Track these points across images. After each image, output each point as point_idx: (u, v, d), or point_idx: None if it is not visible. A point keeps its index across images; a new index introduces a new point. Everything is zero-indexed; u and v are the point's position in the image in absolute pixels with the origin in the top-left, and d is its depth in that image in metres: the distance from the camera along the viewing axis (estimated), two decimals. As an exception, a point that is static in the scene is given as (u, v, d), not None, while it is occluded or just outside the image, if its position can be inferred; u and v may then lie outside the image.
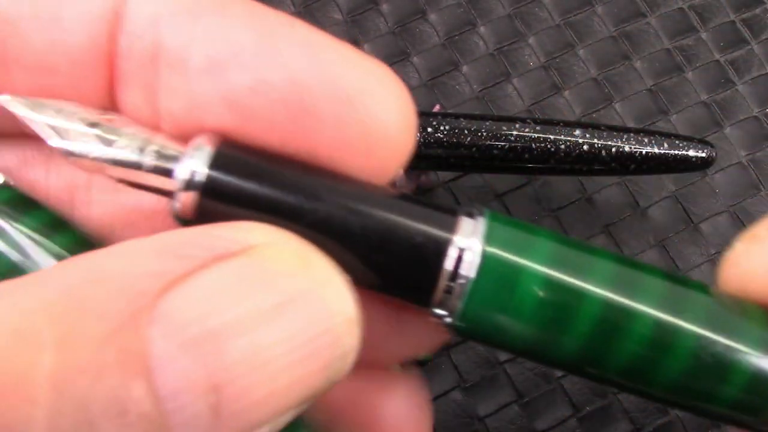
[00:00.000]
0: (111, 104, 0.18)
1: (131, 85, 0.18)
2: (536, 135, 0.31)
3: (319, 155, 0.17)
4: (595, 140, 0.31)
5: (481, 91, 0.38)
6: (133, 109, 0.18)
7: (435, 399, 0.33)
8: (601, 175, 0.34)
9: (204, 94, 0.16)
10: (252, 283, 0.14)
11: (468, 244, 0.16)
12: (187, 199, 0.16)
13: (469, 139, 0.31)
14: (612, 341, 0.16)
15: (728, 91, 0.38)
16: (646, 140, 0.31)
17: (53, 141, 0.16)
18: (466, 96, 0.38)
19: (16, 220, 0.18)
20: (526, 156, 0.31)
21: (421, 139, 0.31)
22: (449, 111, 0.37)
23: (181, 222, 0.16)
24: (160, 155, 0.16)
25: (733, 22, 0.39)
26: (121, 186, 0.17)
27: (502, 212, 0.36)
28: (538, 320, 0.16)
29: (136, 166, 0.16)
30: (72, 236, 0.19)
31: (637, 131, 0.31)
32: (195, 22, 0.16)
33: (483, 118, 0.32)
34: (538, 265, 0.16)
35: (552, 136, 0.31)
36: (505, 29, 0.39)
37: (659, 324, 0.16)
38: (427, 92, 0.38)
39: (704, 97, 0.38)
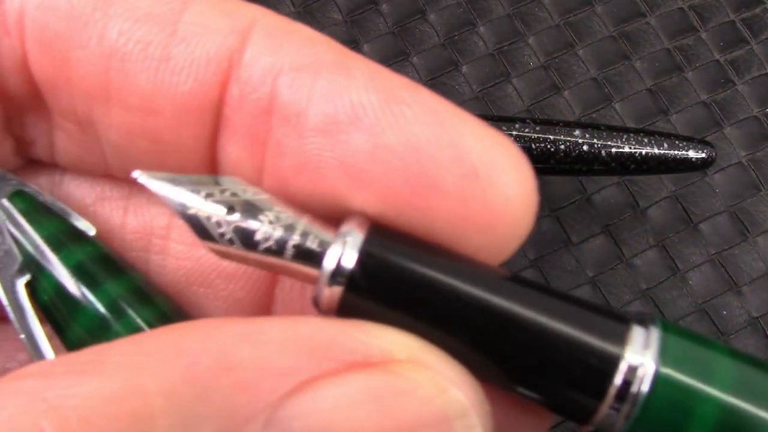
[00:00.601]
0: (210, 153, 0.17)
1: (237, 137, 0.17)
2: (536, 135, 0.31)
3: (435, 229, 0.16)
4: (595, 140, 0.31)
5: (480, 91, 0.38)
6: (235, 161, 0.17)
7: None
8: (600, 175, 0.34)
9: (318, 154, 0.16)
10: (383, 402, 0.13)
11: (640, 361, 0.14)
12: (332, 292, 0.15)
13: (468, 139, 0.31)
14: None
15: (728, 91, 0.38)
16: (645, 140, 0.31)
17: (192, 229, 0.15)
18: (466, 96, 0.38)
19: (34, 225, 0.18)
20: (526, 156, 0.31)
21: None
22: (449, 111, 0.37)
23: (321, 311, 0.15)
24: (304, 242, 0.15)
25: (733, 21, 0.39)
26: (204, 243, 0.16)
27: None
28: None
29: (278, 254, 0.15)
30: (89, 250, 0.18)
31: (636, 131, 0.31)
32: (316, 78, 0.16)
33: (483, 118, 0.31)
34: (717, 391, 0.14)
35: (552, 136, 0.31)
36: (504, 29, 0.39)
37: None
38: (426, 92, 0.38)
39: (704, 97, 0.38)
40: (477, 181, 0.15)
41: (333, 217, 0.16)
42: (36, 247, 0.17)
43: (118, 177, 0.19)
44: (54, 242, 0.17)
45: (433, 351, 0.15)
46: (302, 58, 0.16)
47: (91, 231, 0.18)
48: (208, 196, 0.15)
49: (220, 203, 0.15)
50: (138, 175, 0.16)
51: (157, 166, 0.17)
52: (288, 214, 0.15)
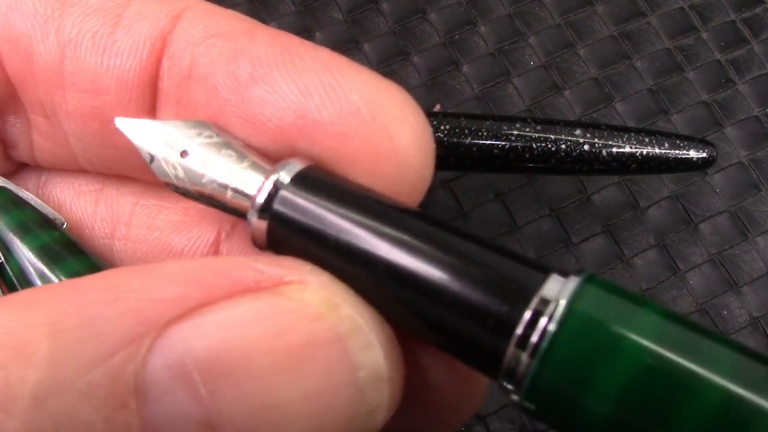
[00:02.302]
0: None
1: (169, 106, 0.18)
2: (537, 135, 0.31)
3: (325, 166, 0.17)
4: (596, 140, 0.31)
5: (481, 90, 0.38)
6: None
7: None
8: (601, 174, 0.34)
9: (222, 107, 0.17)
10: (271, 322, 0.13)
11: (552, 300, 0.14)
12: (259, 225, 0.16)
13: (469, 138, 0.31)
14: None
15: (729, 91, 0.38)
16: (646, 140, 0.31)
17: (153, 168, 0.17)
18: (467, 95, 0.38)
19: (8, 214, 0.20)
20: (527, 156, 0.31)
21: (422, 139, 0.31)
22: (449, 110, 0.37)
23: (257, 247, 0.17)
24: (241, 183, 0.17)
25: (734, 21, 0.39)
26: (158, 224, 0.19)
27: (502, 212, 0.36)
28: (635, 407, 0.13)
29: (221, 193, 0.17)
30: (55, 236, 0.20)
31: (637, 131, 0.31)
32: (225, 42, 0.18)
33: (483, 117, 0.32)
34: (640, 337, 0.13)
35: (552, 136, 0.31)
36: (505, 29, 0.39)
37: None
38: (427, 92, 0.38)
39: (705, 96, 0.38)
40: (357, 117, 0.16)
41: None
42: (7, 232, 0.19)
43: (89, 170, 0.21)
44: (24, 228, 0.19)
45: (328, 276, 0.15)
46: (218, 28, 0.18)
47: (63, 223, 0.20)
48: (168, 140, 0.17)
49: (176, 147, 0.17)
50: (117, 120, 0.18)
51: (108, 146, 0.19)
52: (232, 157, 0.17)
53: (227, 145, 0.17)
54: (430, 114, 0.32)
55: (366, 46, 0.38)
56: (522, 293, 0.14)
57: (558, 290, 0.14)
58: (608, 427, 0.13)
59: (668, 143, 0.31)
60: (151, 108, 0.19)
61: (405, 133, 0.16)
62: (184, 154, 0.17)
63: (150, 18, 0.18)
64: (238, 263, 0.15)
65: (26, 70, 0.19)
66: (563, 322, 0.13)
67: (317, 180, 0.16)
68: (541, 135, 0.31)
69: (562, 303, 0.13)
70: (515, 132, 0.31)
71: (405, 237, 0.15)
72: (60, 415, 0.12)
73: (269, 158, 0.17)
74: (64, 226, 0.20)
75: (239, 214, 0.17)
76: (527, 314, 0.14)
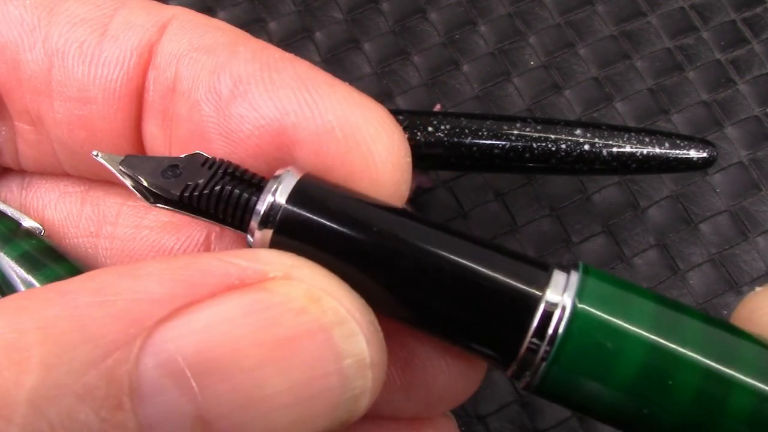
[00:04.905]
0: (137, 136, 0.19)
1: (154, 116, 0.19)
2: (537, 134, 0.31)
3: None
4: (596, 140, 0.31)
5: (481, 90, 0.38)
6: (152, 138, 0.19)
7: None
8: (601, 174, 0.34)
9: (204, 122, 0.17)
10: (257, 317, 0.14)
11: (558, 299, 0.15)
12: (263, 236, 0.16)
13: (469, 138, 0.31)
14: (714, 413, 0.15)
15: (729, 91, 0.38)
16: (647, 140, 0.31)
17: (138, 195, 0.17)
18: (467, 95, 0.38)
19: None
20: (527, 155, 0.31)
21: (422, 139, 0.31)
22: (450, 110, 0.37)
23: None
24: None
25: (734, 21, 0.39)
26: (146, 224, 0.18)
27: (502, 212, 0.36)
28: (634, 388, 0.15)
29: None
30: (32, 245, 0.20)
31: (638, 131, 0.31)
32: (208, 56, 0.18)
33: (483, 117, 0.31)
34: (639, 328, 0.15)
35: (553, 136, 0.31)
36: (505, 28, 0.39)
37: (760, 395, 0.15)
38: (427, 91, 0.38)
39: (705, 96, 0.38)
40: (331, 136, 0.17)
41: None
42: None
43: (73, 175, 0.21)
44: (3, 238, 0.20)
45: (309, 266, 0.15)
46: (201, 41, 0.18)
47: (41, 231, 0.21)
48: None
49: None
50: (96, 153, 0.18)
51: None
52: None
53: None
54: (430, 114, 0.32)
55: (366, 46, 0.38)
56: (532, 289, 0.15)
57: (563, 284, 0.15)
58: (614, 405, 0.15)
59: (668, 143, 0.31)
60: (137, 117, 0.19)
61: (379, 151, 0.17)
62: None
63: (137, 28, 0.18)
64: (221, 260, 0.15)
65: (13, 78, 0.19)
66: (572, 322, 0.15)
67: (315, 188, 0.16)
68: (541, 135, 0.31)
69: (569, 296, 0.15)
70: (515, 132, 0.31)
71: (415, 240, 0.16)
72: (58, 418, 0.12)
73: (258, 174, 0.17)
74: (42, 234, 0.20)
75: (238, 227, 0.17)
76: (541, 307, 0.15)
